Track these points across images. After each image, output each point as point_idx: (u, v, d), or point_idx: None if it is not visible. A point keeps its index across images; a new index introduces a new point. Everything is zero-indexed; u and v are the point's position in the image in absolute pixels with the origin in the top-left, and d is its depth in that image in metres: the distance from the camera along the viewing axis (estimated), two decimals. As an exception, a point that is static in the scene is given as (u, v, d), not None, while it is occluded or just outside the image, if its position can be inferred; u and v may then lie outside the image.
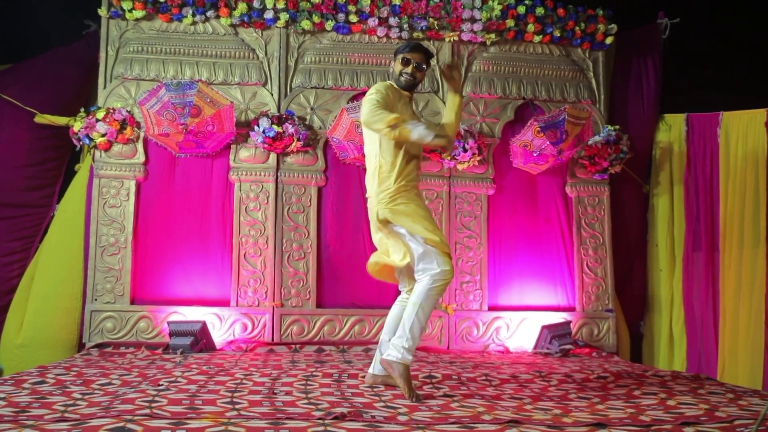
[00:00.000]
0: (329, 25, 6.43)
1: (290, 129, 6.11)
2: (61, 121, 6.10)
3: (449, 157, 6.33)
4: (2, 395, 3.40)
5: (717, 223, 6.33)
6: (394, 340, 3.81)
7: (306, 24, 6.36)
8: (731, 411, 3.34)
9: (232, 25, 6.42)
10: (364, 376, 4.27)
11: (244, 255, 6.22)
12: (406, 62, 3.97)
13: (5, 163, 6.13)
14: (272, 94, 6.40)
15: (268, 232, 6.25)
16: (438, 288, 3.76)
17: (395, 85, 4.02)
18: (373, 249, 4.14)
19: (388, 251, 3.96)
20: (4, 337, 5.99)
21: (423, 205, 3.96)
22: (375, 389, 3.90)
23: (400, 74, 3.99)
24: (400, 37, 6.47)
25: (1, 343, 5.98)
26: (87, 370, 4.44)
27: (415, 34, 6.49)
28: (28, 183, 6.24)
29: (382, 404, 3.42)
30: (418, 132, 3.64)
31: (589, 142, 6.49)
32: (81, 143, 6.12)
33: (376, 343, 6.00)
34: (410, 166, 3.94)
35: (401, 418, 3.06)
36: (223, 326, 6.08)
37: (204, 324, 5.82)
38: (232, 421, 2.86)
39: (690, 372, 5.54)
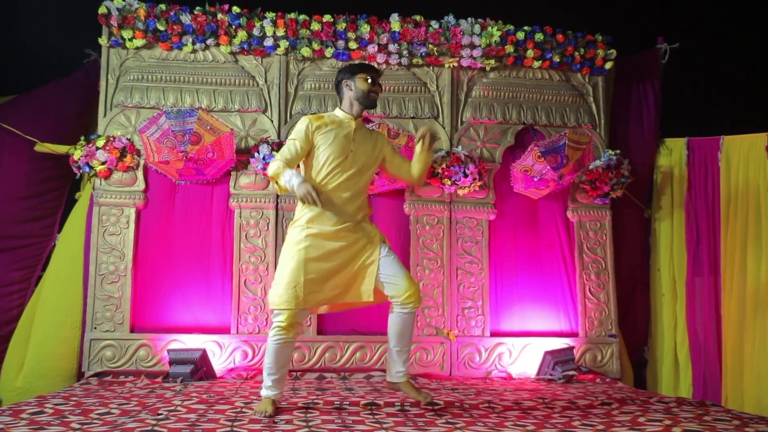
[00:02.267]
0: (329, 52, 6.45)
1: (290, 155, 6.11)
2: (61, 149, 6.11)
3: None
4: (0, 426, 3.36)
5: (719, 248, 6.29)
6: None
7: (306, 51, 6.39)
8: (738, 437, 3.30)
9: (232, 53, 6.44)
10: (366, 404, 4.25)
11: (245, 282, 6.19)
12: (372, 81, 4.10)
13: (5, 195, 6.12)
14: (272, 121, 6.40)
15: (268, 258, 6.22)
16: (271, 333, 3.91)
17: (343, 109, 4.16)
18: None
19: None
20: (3, 375, 5.94)
21: (298, 252, 3.94)
22: (376, 416, 3.86)
23: (369, 92, 4.10)
24: (399, 63, 6.50)
25: (1, 378, 5.93)
26: (86, 400, 4.40)
27: (414, 60, 6.52)
28: (29, 214, 6.21)
29: (384, 432, 3.38)
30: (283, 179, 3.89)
31: (590, 167, 6.48)
32: (81, 171, 6.11)
33: (378, 369, 6.02)
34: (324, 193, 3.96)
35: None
36: (224, 354, 6.04)
37: (204, 352, 5.77)
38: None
39: (696, 398, 5.49)
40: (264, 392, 3.97)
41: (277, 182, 3.91)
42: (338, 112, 4.16)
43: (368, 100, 4.11)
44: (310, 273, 3.89)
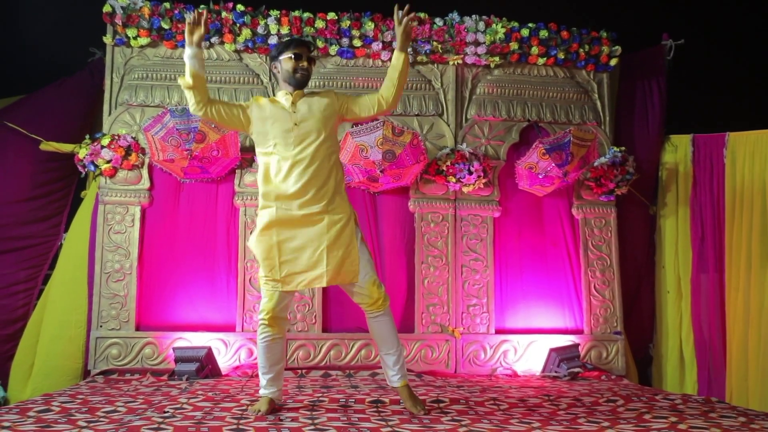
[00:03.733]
0: (333, 49, 6.45)
1: (295, 153, 6.10)
2: (66, 148, 6.11)
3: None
4: (7, 424, 3.37)
5: (724, 245, 6.27)
6: None
7: (310, 49, 6.38)
8: (744, 434, 3.30)
9: (237, 51, 6.44)
10: (371, 401, 4.26)
11: (250, 280, 6.19)
12: (298, 57, 3.91)
13: (10, 196, 6.12)
14: (277, 119, 6.39)
15: (273, 256, 6.22)
16: (258, 331, 3.93)
17: (274, 95, 4.11)
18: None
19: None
20: (12, 377, 5.95)
21: (267, 241, 3.84)
22: (381, 414, 3.86)
23: (295, 71, 3.91)
24: (404, 61, 6.49)
25: (10, 379, 5.95)
26: (92, 398, 4.41)
27: (418, 58, 6.52)
28: (34, 215, 6.21)
29: (389, 429, 3.38)
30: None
31: (595, 164, 6.47)
32: (86, 170, 6.12)
33: (383, 367, 6.01)
34: (279, 175, 3.83)
35: (409, 444, 3.03)
36: (229, 351, 6.04)
37: (209, 349, 5.79)
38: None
39: (701, 395, 5.48)
40: (261, 391, 3.97)
41: (186, 84, 3.81)
42: (278, 93, 4.03)
43: (294, 80, 3.93)
44: (284, 254, 3.82)
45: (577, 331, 6.49)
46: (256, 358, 6.02)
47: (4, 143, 6.12)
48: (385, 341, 3.96)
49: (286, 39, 4.30)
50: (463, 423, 3.60)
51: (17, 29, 6.51)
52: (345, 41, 6.44)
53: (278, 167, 3.82)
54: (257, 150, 3.96)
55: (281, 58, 3.94)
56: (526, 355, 6.32)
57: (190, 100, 3.83)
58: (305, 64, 3.92)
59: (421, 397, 4.27)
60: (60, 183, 6.37)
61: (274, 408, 3.92)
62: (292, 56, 3.90)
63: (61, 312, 6.00)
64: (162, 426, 3.36)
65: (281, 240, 3.82)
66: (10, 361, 5.99)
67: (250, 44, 6.38)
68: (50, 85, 6.35)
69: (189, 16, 3.78)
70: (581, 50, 6.70)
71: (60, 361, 5.90)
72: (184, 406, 4.07)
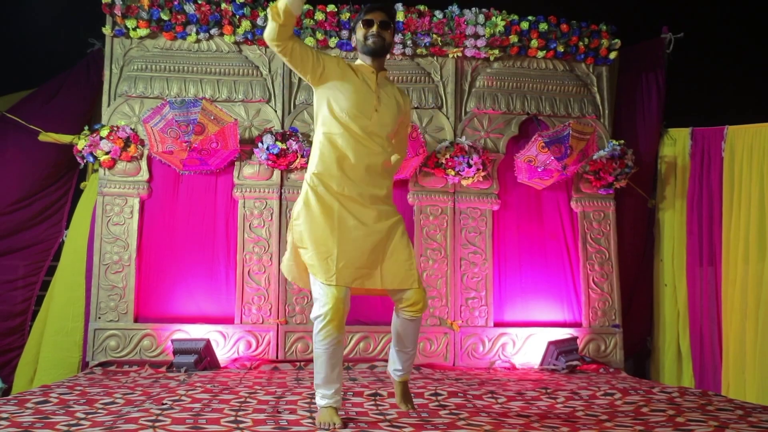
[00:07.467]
0: (333, 41, 6.44)
1: (294, 146, 6.11)
2: (65, 139, 6.10)
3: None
4: (5, 415, 3.38)
5: (721, 238, 6.26)
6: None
7: (309, 41, 6.37)
8: (741, 428, 3.31)
9: (236, 43, 6.43)
10: (369, 394, 4.25)
11: (248, 272, 6.19)
12: (368, 24, 3.45)
13: (11, 206, 6.14)
14: (276, 111, 6.39)
15: (272, 249, 6.23)
16: (319, 336, 3.22)
17: (356, 61, 3.57)
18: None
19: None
20: (18, 379, 5.98)
21: (326, 223, 3.33)
22: (379, 407, 3.87)
23: (365, 39, 3.46)
24: (403, 53, 6.48)
25: (15, 384, 5.97)
26: (90, 389, 4.42)
27: (418, 50, 6.51)
28: (35, 218, 6.23)
29: (387, 423, 3.39)
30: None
31: (594, 157, 6.47)
32: (85, 161, 6.11)
33: (382, 360, 6.02)
34: (336, 168, 3.37)
35: (407, 437, 3.03)
36: (227, 344, 6.05)
37: (208, 342, 5.79)
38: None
39: (698, 388, 5.50)
40: (322, 402, 3.31)
41: (276, 16, 3.15)
42: (359, 64, 3.56)
43: (366, 47, 3.48)
44: (343, 244, 3.32)
45: (575, 324, 6.50)
46: (254, 350, 6.04)
47: (4, 147, 6.14)
48: (406, 340, 3.57)
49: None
50: (461, 416, 3.61)
51: (17, 21, 6.49)
52: (345, 33, 6.43)
53: (345, 142, 3.37)
54: (320, 116, 3.46)
55: (355, 28, 3.53)
56: (525, 348, 6.33)
57: (272, 33, 3.20)
58: (376, 29, 3.44)
59: (419, 390, 4.27)
60: (59, 182, 6.37)
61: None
62: (361, 24, 3.48)
63: (62, 305, 6.03)
64: (160, 418, 3.37)
65: (341, 225, 3.35)
66: (11, 353, 6.03)
67: (249, 36, 6.36)
68: (49, 83, 6.33)
69: None
70: (581, 43, 6.68)
71: (60, 353, 5.93)
72: (183, 398, 4.08)
